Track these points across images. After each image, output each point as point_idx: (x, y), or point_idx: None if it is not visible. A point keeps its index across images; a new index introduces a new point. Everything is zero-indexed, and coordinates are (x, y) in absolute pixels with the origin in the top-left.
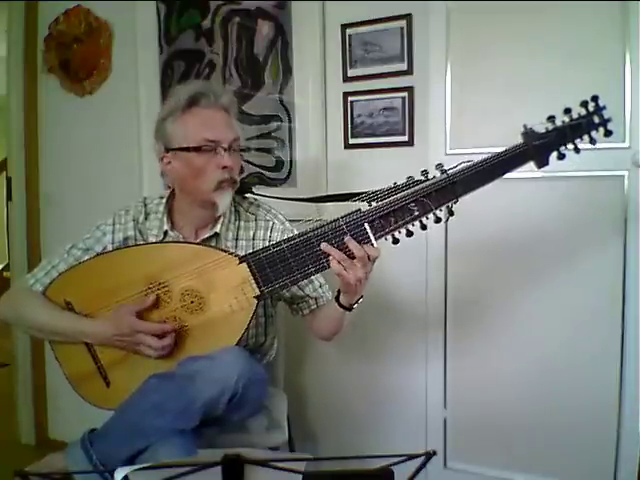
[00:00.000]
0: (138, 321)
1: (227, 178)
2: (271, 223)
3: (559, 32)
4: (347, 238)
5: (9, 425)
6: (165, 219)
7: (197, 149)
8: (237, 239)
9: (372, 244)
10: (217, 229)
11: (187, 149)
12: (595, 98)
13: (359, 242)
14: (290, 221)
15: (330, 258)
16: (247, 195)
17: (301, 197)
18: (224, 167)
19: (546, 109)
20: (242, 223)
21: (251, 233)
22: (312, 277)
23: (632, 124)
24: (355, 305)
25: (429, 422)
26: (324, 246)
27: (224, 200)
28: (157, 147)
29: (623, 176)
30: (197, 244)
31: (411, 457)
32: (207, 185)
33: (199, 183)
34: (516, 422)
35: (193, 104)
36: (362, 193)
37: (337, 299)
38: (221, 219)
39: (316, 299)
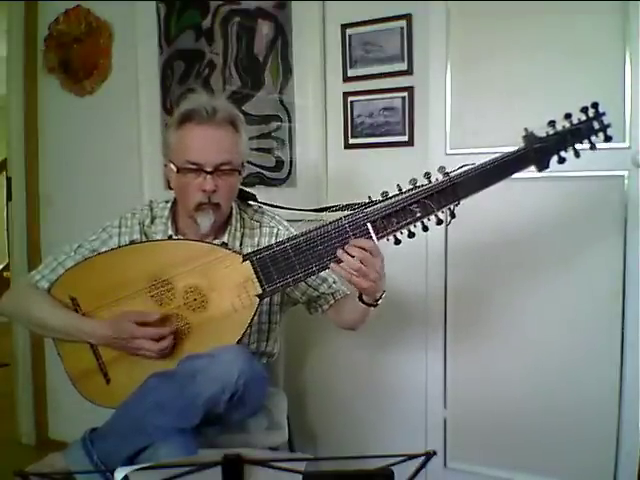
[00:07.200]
0: (136, 328)
1: (206, 202)
2: (276, 230)
3: (559, 31)
4: (349, 246)
5: (9, 425)
6: (169, 224)
7: (178, 170)
8: (242, 246)
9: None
10: (225, 239)
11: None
12: (595, 105)
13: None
14: (292, 221)
15: (341, 265)
16: (251, 202)
17: (303, 208)
18: (204, 190)
19: (546, 108)
20: (247, 230)
21: (256, 240)
22: (325, 275)
23: (632, 124)
24: (380, 300)
25: (429, 422)
26: (339, 253)
27: (204, 221)
28: (163, 151)
29: (623, 176)
30: (201, 242)
31: (411, 457)
32: (188, 204)
33: (183, 199)
34: (516, 422)
35: (186, 120)
36: (364, 202)
37: (360, 298)
38: (228, 228)
39: (332, 294)
